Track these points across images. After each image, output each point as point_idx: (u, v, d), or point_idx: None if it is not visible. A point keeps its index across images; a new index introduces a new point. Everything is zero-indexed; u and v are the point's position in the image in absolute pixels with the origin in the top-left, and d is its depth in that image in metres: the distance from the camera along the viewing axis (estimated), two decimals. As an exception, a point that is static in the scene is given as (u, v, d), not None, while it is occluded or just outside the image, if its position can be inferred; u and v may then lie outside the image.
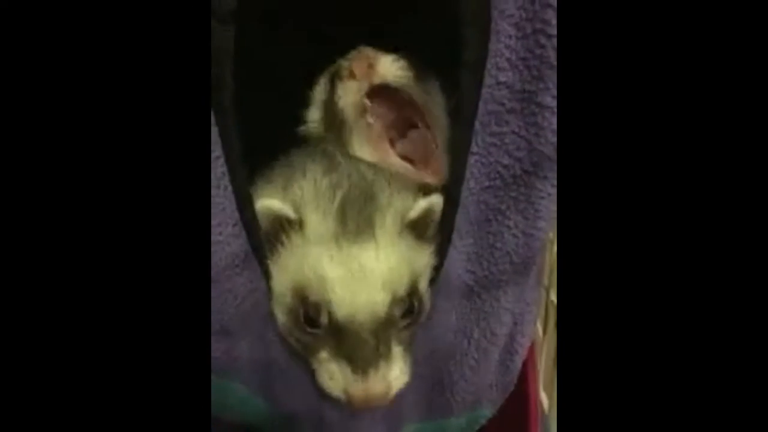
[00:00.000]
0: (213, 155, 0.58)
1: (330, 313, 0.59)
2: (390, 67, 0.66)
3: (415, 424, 0.74)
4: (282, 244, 0.62)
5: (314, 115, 0.73)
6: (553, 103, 0.52)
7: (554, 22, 0.49)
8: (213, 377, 0.68)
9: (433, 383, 0.70)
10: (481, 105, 0.55)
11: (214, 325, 0.65)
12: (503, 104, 0.55)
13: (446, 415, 0.72)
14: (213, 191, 0.59)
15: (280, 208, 0.61)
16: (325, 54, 0.66)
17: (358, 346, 0.58)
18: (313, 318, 0.60)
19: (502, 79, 0.53)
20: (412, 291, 0.61)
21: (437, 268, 0.63)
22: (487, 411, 0.74)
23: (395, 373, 0.59)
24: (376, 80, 0.65)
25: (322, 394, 0.68)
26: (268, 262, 0.62)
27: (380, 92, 0.66)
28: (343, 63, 0.67)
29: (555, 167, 0.56)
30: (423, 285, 0.62)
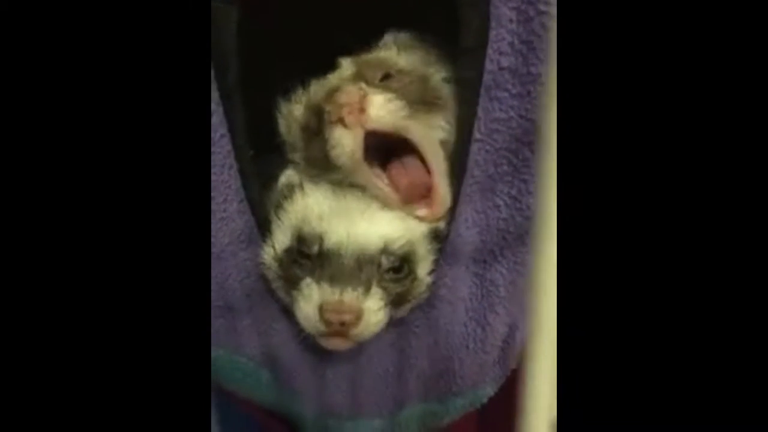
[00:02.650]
0: (218, 134, 0.59)
1: (321, 243, 0.61)
2: (382, 110, 0.58)
3: (420, 405, 0.75)
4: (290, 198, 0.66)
5: (292, 137, 0.68)
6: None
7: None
8: (221, 351, 0.70)
9: (438, 364, 0.71)
10: (482, 91, 0.54)
11: (219, 301, 0.67)
12: (507, 89, 0.54)
13: (451, 395, 0.73)
14: (218, 169, 0.60)
15: None
16: (323, 34, 0.64)
17: (341, 268, 0.60)
18: (304, 250, 0.62)
19: (505, 64, 0.52)
20: (407, 255, 0.62)
21: (440, 250, 0.64)
22: (490, 389, 0.74)
23: (370, 306, 0.60)
24: (369, 125, 0.57)
25: (324, 367, 0.70)
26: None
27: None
28: (328, 107, 0.59)
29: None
30: (421, 264, 0.64)
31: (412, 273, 0.63)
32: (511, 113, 0.54)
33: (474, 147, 0.57)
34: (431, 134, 0.61)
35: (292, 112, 0.67)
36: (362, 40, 0.61)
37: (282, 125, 0.68)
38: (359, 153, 0.58)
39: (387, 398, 0.74)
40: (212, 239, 0.63)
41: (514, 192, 0.58)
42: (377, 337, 0.65)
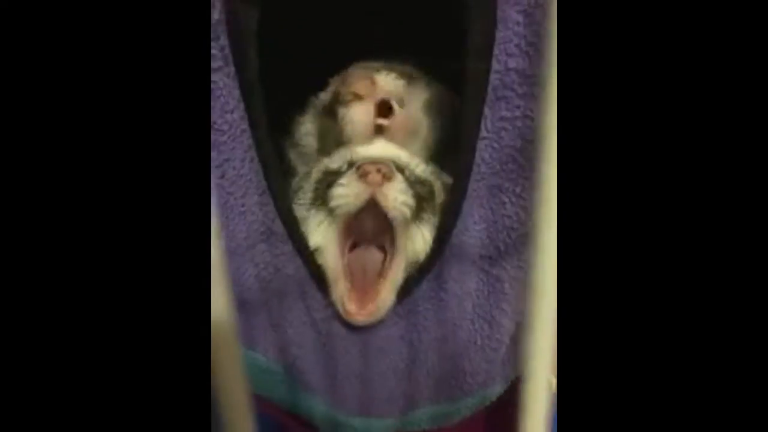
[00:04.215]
0: (239, 129, 0.62)
1: (355, 157, 0.71)
2: (387, 80, 0.70)
3: (430, 407, 0.76)
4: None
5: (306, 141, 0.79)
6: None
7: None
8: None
9: (448, 361, 0.72)
10: (490, 91, 0.56)
11: (234, 296, 0.68)
12: (514, 89, 0.56)
13: (461, 393, 0.74)
14: (238, 164, 0.63)
15: None
16: (337, 31, 0.71)
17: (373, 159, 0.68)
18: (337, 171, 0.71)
19: (512, 65, 0.55)
20: (428, 181, 0.71)
21: (443, 241, 0.66)
22: (500, 387, 0.75)
23: (398, 179, 0.66)
24: (379, 95, 0.70)
25: (336, 363, 0.72)
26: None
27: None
28: (342, 89, 0.71)
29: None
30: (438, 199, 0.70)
31: (432, 192, 0.70)
32: (517, 113, 0.57)
33: (481, 144, 0.59)
34: (419, 96, 0.74)
35: (309, 115, 0.78)
36: (373, 44, 0.67)
37: (300, 132, 0.77)
38: (371, 127, 0.69)
39: (398, 397, 0.74)
40: (228, 235, 0.65)
41: (519, 190, 0.60)
42: (387, 328, 0.68)
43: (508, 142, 0.58)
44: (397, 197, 0.65)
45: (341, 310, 0.66)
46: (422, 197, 0.68)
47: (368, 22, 0.68)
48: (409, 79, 0.72)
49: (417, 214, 0.67)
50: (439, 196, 0.70)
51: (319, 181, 0.72)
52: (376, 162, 0.65)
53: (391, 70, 0.73)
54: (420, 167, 0.72)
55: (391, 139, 0.74)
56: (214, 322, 0.33)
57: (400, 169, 0.69)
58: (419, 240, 0.67)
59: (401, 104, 0.72)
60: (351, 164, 0.70)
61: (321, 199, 0.69)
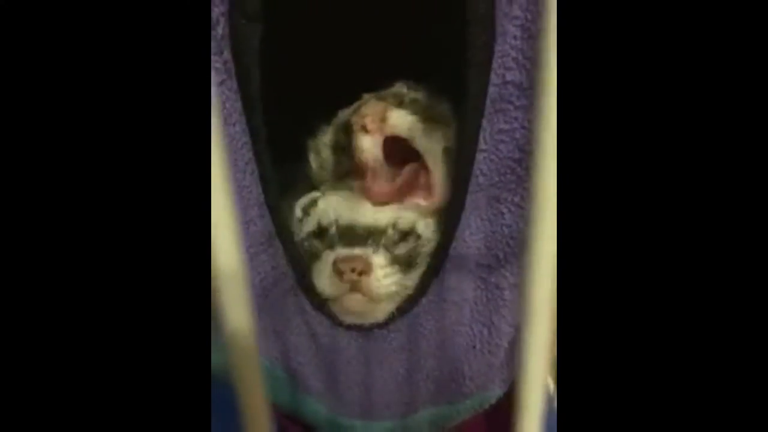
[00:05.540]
0: (241, 142, 0.63)
1: (337, 223, 0.74)
2: (399, 120, 0.70)
3: (430, 409, 0.77)
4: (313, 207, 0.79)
5: (321, 160, 0.81)
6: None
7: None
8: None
9: (447, 365, 0.73)
10: (488, 104, 0.57)
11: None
12: (512, 102, 0.57)
13: (461, 396, 0.75)
14: (240, 175, 0.64)
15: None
16: (335, 52, 0.72)
17: (353, 237, 0.72)
18: (324, 232, 0.75)
19: (510, 78, 0.56)
20: (413, 228, 0.73)
21: (445, 249, 0.67)
22: (500, 390, 0.76)
23: (378, 261, 0.70)
24: (388, 132, 0.70)
25: (338, 369, 0.73)
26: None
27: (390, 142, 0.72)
28: (354, 118, 0.72)
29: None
30: (426, 230, 0.73)
31: (416, 234, 0.73)
32: (515, 125, 0.58)
33: (479, 156, 0.60)
34: (435, 145, 0.71)
35: (321, 140, 0.79)
36: (374, 61, 0.67)
37: (312, 158, 0.80)
38: (380, 156, 0.69)
39: (398, 402, 0.76)
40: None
41: (517, 200, 0.61)
42: (387, 334, 0.69)
43: (507, 154, 0.59)
44: (379, 284, 0.69)
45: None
46: (408, 252, 0.72)
47: (368, 40, 0.68)
48: (424, 119, 0.72)
49: (406, 272, 0.71)
50: (429, 242, 0.73)
51: (308, 240, 0.76)
52: (348, 259, 0.68)
53: (403, 102, 0.73)
54: (406, 220, 0.74)
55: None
56: (232, 330, 0.34)
57: (381, 232, 0.72)
58: (415, 276, 0.71)
59: (412, 142, 0.72)
60: (322, 229, 0.75)
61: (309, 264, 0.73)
